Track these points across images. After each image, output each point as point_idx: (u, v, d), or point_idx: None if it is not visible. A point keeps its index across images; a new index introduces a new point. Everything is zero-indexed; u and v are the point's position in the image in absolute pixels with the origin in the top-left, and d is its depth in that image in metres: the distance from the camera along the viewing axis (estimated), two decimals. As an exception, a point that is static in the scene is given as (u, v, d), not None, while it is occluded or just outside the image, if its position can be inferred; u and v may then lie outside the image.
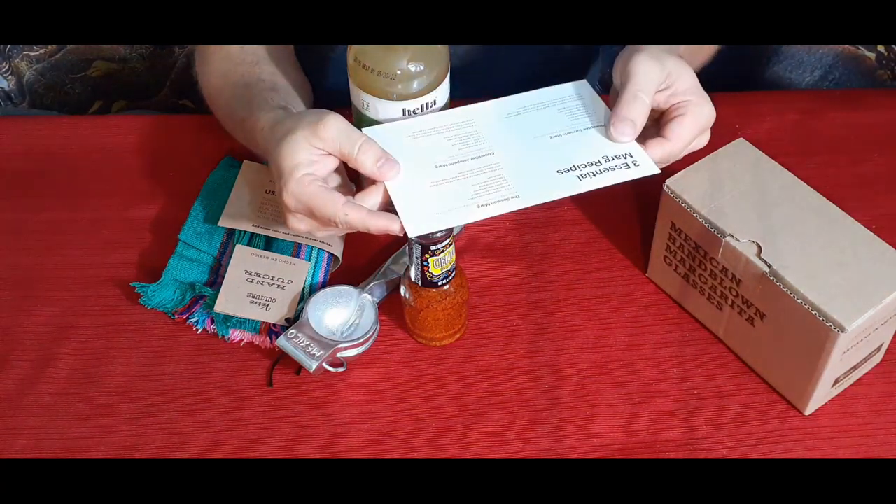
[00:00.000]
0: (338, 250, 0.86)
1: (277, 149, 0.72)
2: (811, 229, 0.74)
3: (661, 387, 0.79)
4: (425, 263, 0.75)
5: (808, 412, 0.77)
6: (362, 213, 0.70)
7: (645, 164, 0.72)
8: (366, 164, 0.71)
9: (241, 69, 0.86)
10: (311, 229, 0.74)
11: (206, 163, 0.95)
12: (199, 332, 0.82)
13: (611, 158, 0.73)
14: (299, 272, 0.83)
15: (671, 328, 0.83)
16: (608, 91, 1.19)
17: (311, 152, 0.71)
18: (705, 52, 0.92)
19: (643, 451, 0.75)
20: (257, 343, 0.81)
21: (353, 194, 0.73)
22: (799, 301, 0.71)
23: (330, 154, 0.72)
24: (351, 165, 0.72)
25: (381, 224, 0.70)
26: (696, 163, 0.79)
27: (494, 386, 0.79)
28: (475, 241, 0.89)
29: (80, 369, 0.81)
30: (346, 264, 0.87)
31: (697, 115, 0.74)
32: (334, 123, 0.71)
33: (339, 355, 0.78)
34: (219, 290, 0.82)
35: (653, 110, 0.74)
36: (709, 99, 0.75)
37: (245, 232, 0.86)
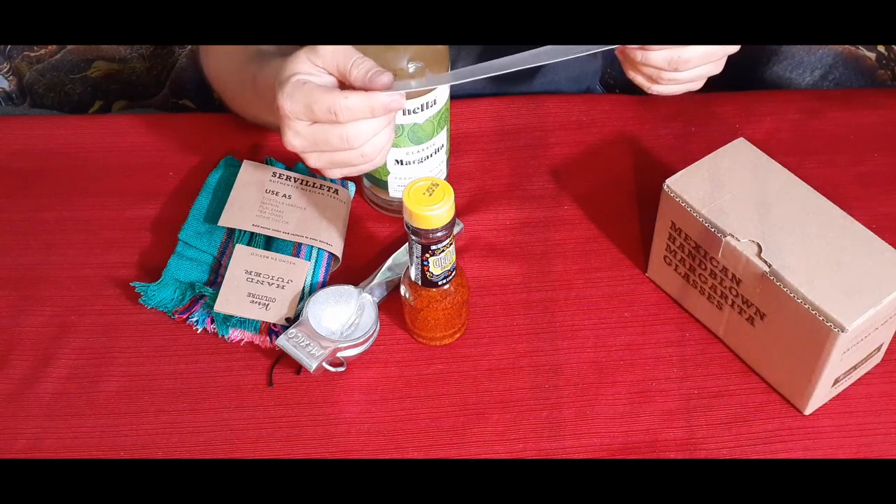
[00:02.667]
0: (338, 250, 0.86)
1: (279, 68, 0.72)
2: (811, 229, 0.74)
3: (661, 387, 0.79)
4: (425, 263, 0.75)
5: (808, 412, 0.77)
6: (361, 94, 0.69)
7: None
8: (358, 75, 0.70)
9: (251, 47, 0.86)
10: (307, 143, 0.72)
11: (206, 163, 0.96)
12: (199, 331, 0.82)
13: None
14: (299, 272, 0.83)
15: (671, 328, 0.83)
16: (608, 91, 1.20)
17: (309, 66, 0.71)
18: None
19: (643, 451, 0.75)
20: (257, 343, 0.81)
21: None
22: (799, 301, 0.71)
23: (328, 73, 0.72)
24: (345, 80, 0.71)
25: (384, 98, 0.69)
26: (696, 163, 0.79)
27: (494, 386, 0.79)
28: (475, 241, 0.89)
29: (80, 369, 0.81)
30: (346, 264, 0.87)
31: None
32: (334, 45, 0.71)
33: (339, 355, 0.78)
34: (219, 289, 0.82)
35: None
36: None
37: (245, 232, 0.86)
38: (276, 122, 0.77)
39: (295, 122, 0.71)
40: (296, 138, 0.72)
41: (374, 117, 0.70)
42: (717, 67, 0.78)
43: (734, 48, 0.77)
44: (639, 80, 0.79)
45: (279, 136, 0.97)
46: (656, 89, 0.79)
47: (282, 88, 0.70)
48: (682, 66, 0.76)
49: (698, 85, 0.80)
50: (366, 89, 0.70)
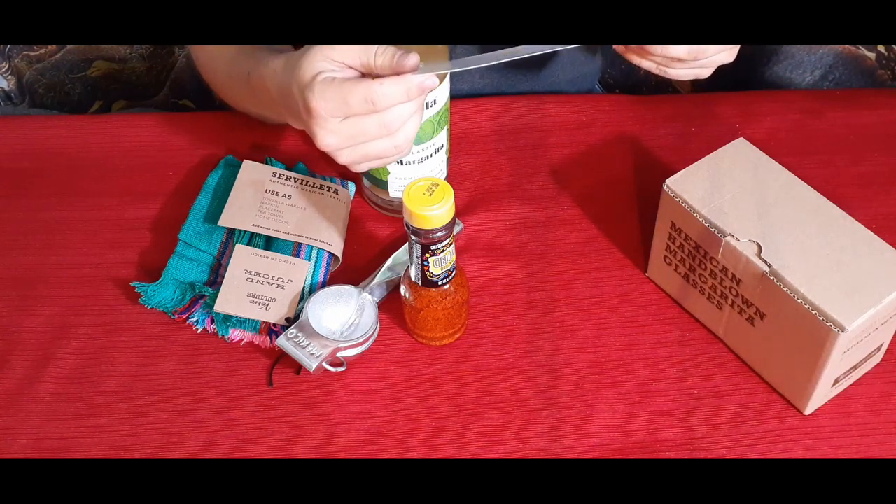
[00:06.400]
0: (338, 250, 0.86)
1: (295, 69, 0.70)
2: (811, 229, 0.74)
3: (661, 387, 0.79)
4: (425, 263, 0.75)
5: (808, 412, 0.77)
6: (395, 78, 0.68)
7: None
8: (384, 62, 0.69)
9: None
10: (343, 139, 0.70)
11: (206, 163, 0.96)
12: (199, 331, 0.82)
13: None
14: (299, 272, 0.83)
15: (671, 328, 0.83)
16: (608, 91, 1.20)
17: (329, 63, 0.69)
18: None
19: (643, 451, 0.75)
20: (257, 343, 0.81)
21: None
22: (799, 301, 0.71)
23: (348, 66, 0.70)
24: (369, 71, 0.70)
25: (418, 78, 0.68)
26: (696, 163, 0.79)
27: (494, 386, 0.79)
28: (475, 241, 0.89)
29: (80, 369, 0.81)
30: (346, 264, 0.87)
31: None
32: (349, 45, 0.70)
33: (339, 355, 0.78)
34: (219, 289, 0.82)
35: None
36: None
37: (245, 232, 0.86)
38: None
39: (329, 120, 0.69)
40: (330, 137, 0.70)
41: (409, 100, 0.69)
42: (730, 56, 0.79)
43: None
44: (646, 64, 0.79)
45: (279, 135, 0.98)
46: (668, 73, 0.80)
47: (310, 90, 0.68)
48: (700, 56, 0.76)
49: (709, 72, 0.80)
50: (394, 74, 0.69)
